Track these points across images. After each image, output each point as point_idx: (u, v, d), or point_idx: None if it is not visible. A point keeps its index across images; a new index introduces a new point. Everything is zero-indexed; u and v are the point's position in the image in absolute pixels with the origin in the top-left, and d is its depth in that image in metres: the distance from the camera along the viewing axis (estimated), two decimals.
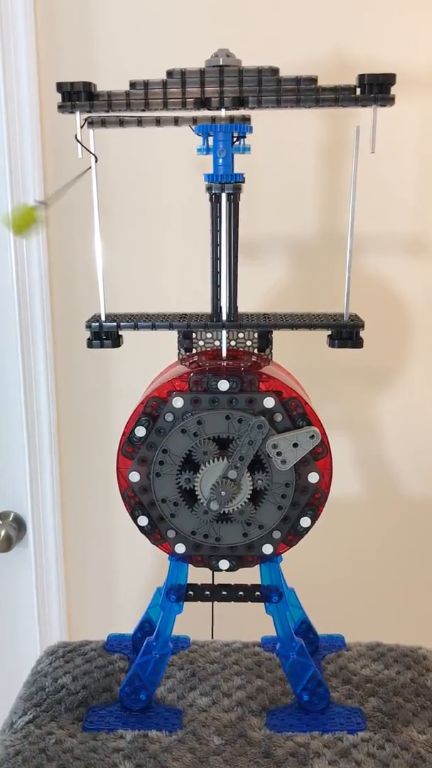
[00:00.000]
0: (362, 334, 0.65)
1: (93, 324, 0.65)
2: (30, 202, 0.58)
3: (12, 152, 0.91)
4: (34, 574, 1.05)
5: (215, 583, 0.67)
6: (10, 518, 1.04)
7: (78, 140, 0.60)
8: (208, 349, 0.69)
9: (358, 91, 0.59)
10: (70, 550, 1.08)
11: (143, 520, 0.64)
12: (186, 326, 0.65)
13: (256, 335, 0.68)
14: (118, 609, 1.10)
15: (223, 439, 0.62)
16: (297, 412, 0.62)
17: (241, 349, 0.68)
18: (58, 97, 0.60)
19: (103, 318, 0.65)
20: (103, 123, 0.60)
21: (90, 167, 0.62)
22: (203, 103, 0.60)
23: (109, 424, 1.02)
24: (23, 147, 0.92)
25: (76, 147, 0.61)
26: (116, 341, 0.66)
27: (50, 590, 1.07)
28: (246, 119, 0.61)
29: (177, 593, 0.66)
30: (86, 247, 0.65)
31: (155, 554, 0.66)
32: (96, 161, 0.62)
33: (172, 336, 0.68)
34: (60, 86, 0.60)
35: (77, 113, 0.60)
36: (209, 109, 0.60)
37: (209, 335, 0.68)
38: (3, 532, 1.02)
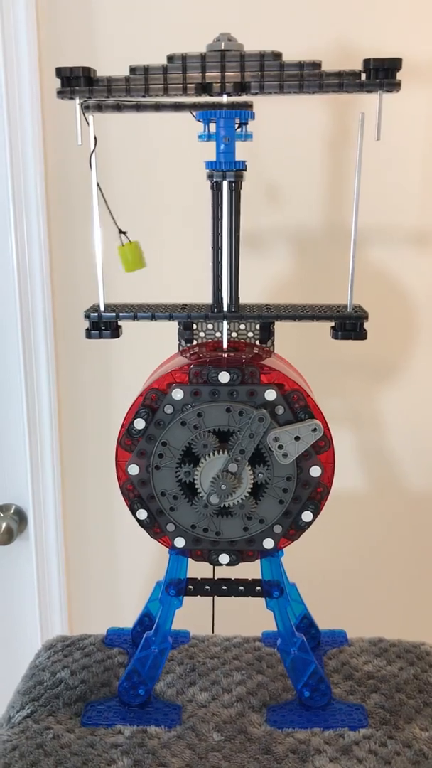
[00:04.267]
0: (366, 326, 0.64)
1: (92, 314, 0.64)
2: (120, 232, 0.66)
3: (12, 139, 0.90)
4: (35, 566, 1.05)
5: (215, 577, 0.66)
6: (11, 511, 1.04)
7: (79, 125, 0.59)
8: (209, 340, 0.67)
9: (363, 76, 0.58)
10: (70, 543, 1.08)
11: (142, 514, 0.63)
12: (186, 317, 0.64)
13: (257, 327, 0.67)
14: (119, 602, 1.09)
15: (223, 431, 0.61)
16: (299, 405, 0.61)
17: (242, 340, 0.67)
18: (58, 83, 0.59)
19: (102, 308, 0.64)
20: (99, 107, 0.59)
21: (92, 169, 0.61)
22: (204, 88, 0.58)
23: (110, 416, 1.01)
24: (24, 134, 0.91)
25: (76, 133, 0.60)
26: (115, 332, 0.65)
27: (51, 583, 1.07)
28: (248, 105, 0.60)
29: (176, 587, 0.65)
30: (86, 236, 0.64)
31: (156, 548, 0.66)
32: (95, 144, 0.61)
33: (173, 327, 0.67)
34: (59, 71, 0.59)
35: (77, 99, 0.59)
36: (210, 95, 0.59)
37: (210, 326, 0.67)
38: (4, 525, 1.02)
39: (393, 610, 1.05)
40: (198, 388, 0.60)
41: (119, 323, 0.65)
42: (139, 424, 0.61)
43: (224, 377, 0.60)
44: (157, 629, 0.66)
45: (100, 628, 0.79)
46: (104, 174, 0.63)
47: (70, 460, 1.05)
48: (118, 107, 0.59)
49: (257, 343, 0.67)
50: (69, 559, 1.08)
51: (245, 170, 0.62)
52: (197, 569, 0.66)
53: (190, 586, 0.66)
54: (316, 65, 0.57)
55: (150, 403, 0.61)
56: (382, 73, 0.57)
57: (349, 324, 0.63)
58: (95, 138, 0.61)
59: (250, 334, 0.67)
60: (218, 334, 0.67)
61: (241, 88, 0.58)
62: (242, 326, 0.67)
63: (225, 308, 0.64)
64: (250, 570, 0.66)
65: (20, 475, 1.03)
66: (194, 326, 0.67)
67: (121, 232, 0.63)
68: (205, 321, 0.67)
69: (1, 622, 1.09)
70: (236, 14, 0.87)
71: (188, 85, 0.58)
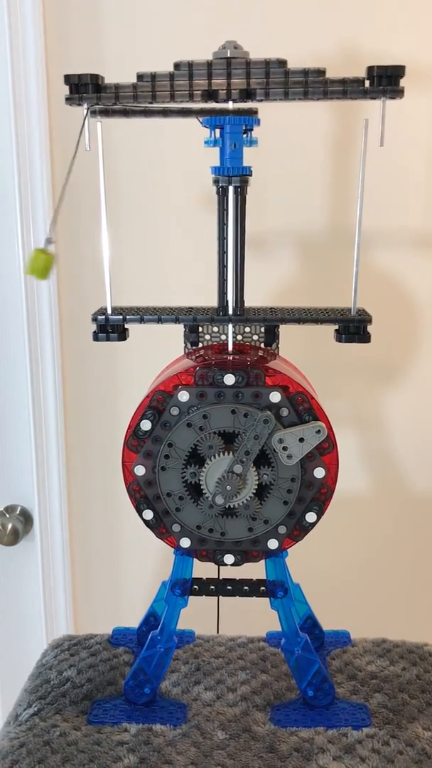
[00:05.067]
0: (369, 329, 0.64)
1: (99, 317, 0.65)
2: (38, 242, 0.59)
3: (20, 147, 0.91)
4: (41, 567, 1.05)
5: (220, 577, 0.67)
6: (17, 512, 1.05)
7: (87, 130, 0.60)
8: (215, 343, 0.68)
9: (367, 83, 0.58)
10: (76, 543, 1.08)
11: (148, 514, 0.64)
12: (192, 320, 0.65)
13: (262, 329, 0.68)
14: (124, 602, 1.10)
15: (228, 433, 0.62)
16: (303, 407, 0.62)
17: (247, 343, 0.68)
18: (66, 90, 0.60)
19: (109, 311, 0.65)
20: (107, 113, 0.60)
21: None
22: (210, 95, 0.59)
23: (116, 417, 1.02)
24: (31, 141, 0.92)
25: (84, 139, 0.61)
26: (122, 334, 0.65)
27: (56, 583, 1.07)
28: (253, 111, 0.61)
29: (182, 587, 0.66)
30: (93, 239, 0.65)
31: (161, 548, 0.66)
32: (102, 153, 0.62)
33: (179, 330, 0.68)
34: (67, 78, 0.60)
35: (84, 105, 0.60)
36: (216, 102, 0.60)
37: (215, 329, 0.68)
38: (10, 526, 1.02)
39: (396, 611, 1.06)
40: (203, 390, 0.61)
41: (126, 326, 0.66)
42: (146, 425, 0.62)
43: (229, 379, 0.61)
44: (163, 629, 0.66)
45: (105, 628, 0.80)
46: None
47: (75, 461, 1.05)
48: (125, 112, 0.60)
49: (262, 345, 0.68)
50: (74, 559, 1.09)
51: (251, 175, 0.62)
52: (202, 569, 0.67)
53: (195, 586, 0.67)
54: (321, 72, 0.58)
55: (156, 404, 0.62)
56: (386, 81, 0.57)
57: (353, 327, 0.64)
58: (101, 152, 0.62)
59: (255, 337, 0.68)
60: (223, 337, 0.68)
61: (247, 95, 0.59)
62: (247, 329, 0.68)
63: (230, 311, 0.65)
64: (255, 570, 0.66)
65: (26, 476, 1.03)
66: (200, 329, 0.68)
67: (49, 240, 0.59)
68: (210, 324, 0.68)
69: (7, 622, 1.10)
70: (242, 21, 0.87)
71: (194, 92, 0.59)
